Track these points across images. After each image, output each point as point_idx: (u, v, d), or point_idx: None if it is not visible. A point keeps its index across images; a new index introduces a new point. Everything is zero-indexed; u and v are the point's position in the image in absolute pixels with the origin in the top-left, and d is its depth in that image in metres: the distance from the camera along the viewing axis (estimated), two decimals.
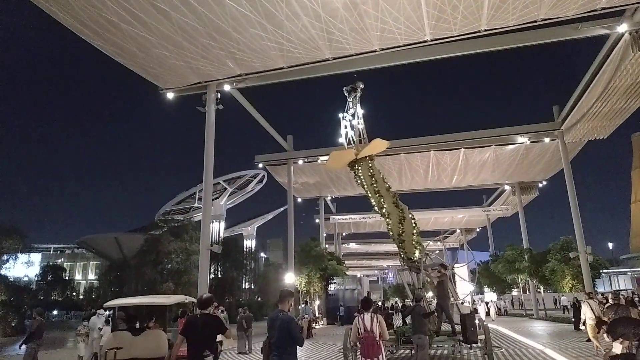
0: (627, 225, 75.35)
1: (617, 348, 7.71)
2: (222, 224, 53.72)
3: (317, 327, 27.36)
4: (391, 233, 15.07)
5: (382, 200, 14.98)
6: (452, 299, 13.44)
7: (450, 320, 12.80)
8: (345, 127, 16.89)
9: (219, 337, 14.14)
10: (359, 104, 17.08)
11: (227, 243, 41.91)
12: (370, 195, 15.57)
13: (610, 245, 62.52)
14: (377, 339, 6.93)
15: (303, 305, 27.14)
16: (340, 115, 17.24)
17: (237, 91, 21.73)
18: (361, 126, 16.89)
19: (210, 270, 33.95)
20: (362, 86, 17.15)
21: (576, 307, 19.12)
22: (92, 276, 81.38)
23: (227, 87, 19.99)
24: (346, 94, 17.11)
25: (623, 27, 16.49)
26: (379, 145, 15.82)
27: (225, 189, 52.52)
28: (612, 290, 23.29)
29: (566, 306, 35.49)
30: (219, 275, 41.45)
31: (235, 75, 18.99)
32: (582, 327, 14.22)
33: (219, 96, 19.98)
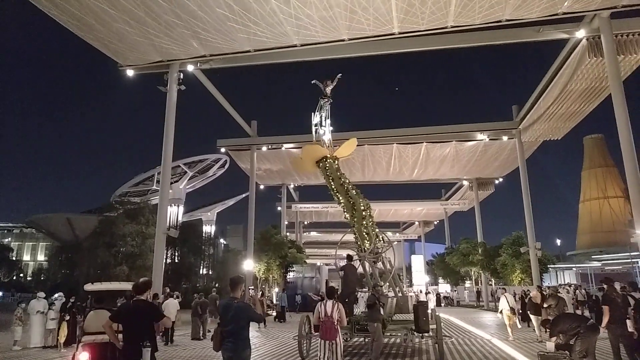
0: (575, 223, 79.39)
1: (551, 346, 8.16)
2: (181, 208, 52.52)
3: (273, 313, 27.42)
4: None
5: (339, 197, 15.35)
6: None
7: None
8: (317, 131, 16.47)
9: (173, 318, 14.11)
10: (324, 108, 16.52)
11: (185, 228, 41.12)
12: (331, 192, 15.91)
13: (558, 241, 65.60)
14: (335, 324, 7.69)
15: (280, 293, 27.57)
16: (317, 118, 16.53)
17: (200, 72, 21.23)
18: (321, 131, 16.48)
19: (166, 254, 33.29)
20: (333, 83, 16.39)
21: (522, 301, 20.04)
22: (41, 257, 78.16)
23: (190, 68, 19.48)
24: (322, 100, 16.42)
25: (581, 33, 17.12)
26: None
27: (185, 172, 51.29)
28: (536, 285, 24.10)
29: (499, 298, 36.93)
30: (176, 260, 40.71)
31: (199, 55, 18.53)
32: (499, 315, 16.63)
33: (182, 76, 19.47)
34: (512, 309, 15.71)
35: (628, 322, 8.46)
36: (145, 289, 5.48)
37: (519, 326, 16.22)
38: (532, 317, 16.13)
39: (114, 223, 32.17)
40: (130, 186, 50.96)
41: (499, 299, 18.99)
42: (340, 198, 15.40)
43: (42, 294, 15.48)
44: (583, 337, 7.81)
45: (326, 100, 16.04)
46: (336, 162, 15.49)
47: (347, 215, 15.44)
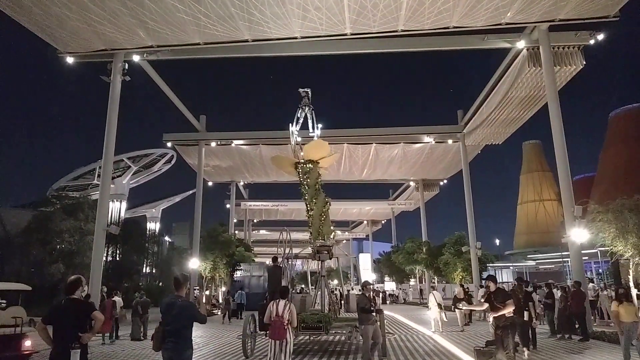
0: (513, 225, 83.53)
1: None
2: (124, 204, 50.47)
3: (218, 312, 27.00)
4: None
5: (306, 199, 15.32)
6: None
7: None
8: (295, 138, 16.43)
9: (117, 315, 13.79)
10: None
11: (127, 224, 39.45)
12: None
13: (497, 241, 68.82)
14: (285, 323, 7.81)
15: (239, 291, 27.07)
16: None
17: (147, 63, 20.48)
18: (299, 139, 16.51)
19: (107, 252, 31.90)
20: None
21: (456, 299, 20.78)
22: None
23: (136, 58, 18.75)
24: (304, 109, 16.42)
25: (522, 44, 18.05)
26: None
27: (129, 167, 49.28)
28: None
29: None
30: (117, 258, 39.03)
31: (146, 46, 17.88)
32: (428, 311, 18.28)
33: (127, 67, 18.68)
34: (439, 305, 16.89)
35: (525, 312, 10.57)
36: (74, 288, 5.21)
37: (445, 320, 17.39)
38: (456, 310, 17.70)
39: (50, 218, 30.33)
40: (69, 180, 48.42)
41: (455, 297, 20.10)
42: (308, 203, 15.49)
43: None
44: (512, 330, 8.38)
45: (310, 108, 16.06)
46: (308, 165, 15.33)
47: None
